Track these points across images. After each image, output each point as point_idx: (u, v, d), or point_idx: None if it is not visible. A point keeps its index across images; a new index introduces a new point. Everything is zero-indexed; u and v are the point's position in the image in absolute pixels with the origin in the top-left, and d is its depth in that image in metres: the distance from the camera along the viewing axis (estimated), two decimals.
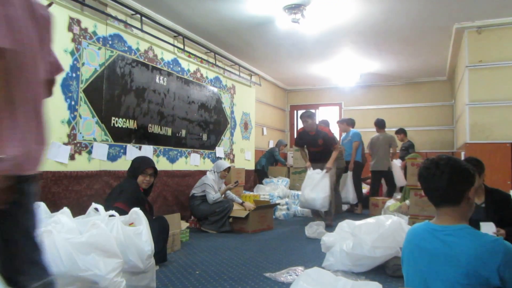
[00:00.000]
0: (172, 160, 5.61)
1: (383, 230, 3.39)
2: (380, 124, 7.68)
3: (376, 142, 7.53)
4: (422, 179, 1.70)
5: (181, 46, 5.73)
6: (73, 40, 4.05)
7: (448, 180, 1.60)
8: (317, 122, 6.08)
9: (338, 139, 5.73)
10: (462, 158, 5.86)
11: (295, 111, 10.66)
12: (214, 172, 5.61)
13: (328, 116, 10.32)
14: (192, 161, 5.98)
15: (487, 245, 1.51)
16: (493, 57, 5.54)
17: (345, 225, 3.76)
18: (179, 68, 5.80)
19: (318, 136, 5.81)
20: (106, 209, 2.96)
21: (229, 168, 5.72)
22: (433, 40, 6.39)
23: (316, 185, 5.62)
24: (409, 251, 1.73)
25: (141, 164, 3.82)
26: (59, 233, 2.27)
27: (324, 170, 5.65)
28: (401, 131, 8.15)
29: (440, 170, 1.62)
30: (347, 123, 7.86)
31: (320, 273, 2.35)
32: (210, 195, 5.34)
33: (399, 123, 8.99)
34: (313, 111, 6.06)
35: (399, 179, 7.34)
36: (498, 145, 5.39)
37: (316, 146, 5.91)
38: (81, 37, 4.14)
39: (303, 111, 6.06)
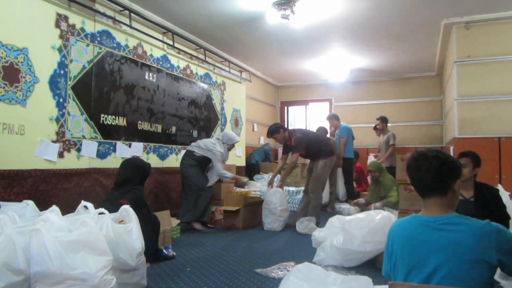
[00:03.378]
0: (163, 157, 5.59)
1: (373, 225, 3.42)
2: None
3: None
4: (410, 170, 1.74)
5: (171, 42, 5.70)
6: (61, 36, 4.01)
7: (435, 172, 1.65)
8: (290, 130, 5.71)
9: (303, 147, 5.38)
10: (451, 153, 5.92)
11: (286, 107, 10.67)
12: (223, 143, 5.44)
13: (319, 112, 10.39)
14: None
15: (481, 228, 1.57)
16: (481, 53, 5.59)
17: (336, 221, 3.79)
18: (169, 65, 5.77)
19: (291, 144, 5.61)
20: (108, 205, 2.97)
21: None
22: (422, 36, 6.42)
23: (268, 205, 5.34)
24: (401, 246, 1.73)
25: (147, 170, 3.83)
26: (48, 231, 2.24)
27: (273, 190, 5.39)
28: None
29: (428, 161, 1.67)
30: (336, 118, 7.87)
31: (311, 268, 2.36)
32: (219, 167, 5.22)
33: (389, 118, 9.00)
34: (278, 124, 5.69)
35: None
36: (486, 139, 5.44)
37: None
38: (69, 33, 4.10)
39: (273, 125, 5.64)
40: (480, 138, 5.46)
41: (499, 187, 4.16)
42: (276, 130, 5.48)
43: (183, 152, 5.90)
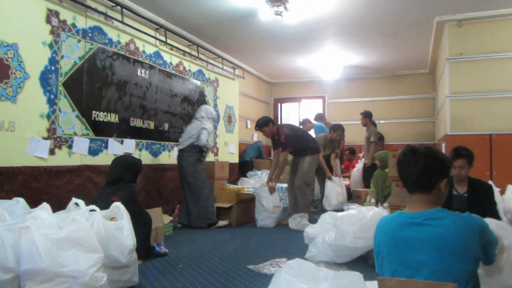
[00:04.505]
0: (155, 154, 5.57)
1: (365, 221, 3.43)
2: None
3: None
4: (399, 164, 1.76)
5: (163, 38, 5.68)
6: (52, 32, 3.98)
7: (422, 168, 1.67)
8: (281, 124, 5.82)
9: (292, 144, 5.33)
10: (443, 149, 5.96)
11: (279, 104, 10.67)
12: (208, 118, 5.39)
13: (312, 109, 10.39)
14: (175, 154, 5.92)
15: (464, 221, 1.59)
16: (473, 50, 5.61)
17: (328, 217, 3.79)
18: (161, 61, 5.75)
19: (280, 140, 5.48)
20: (99, 203, 2.96)
21: None
22: (415, 33, 6.44)
23: (260, 203, 5.36)
24: (387, 243, 1.74)
25: (139, 167, 3.80)
26: (38, 229, 2.23)
27: (265, 188, 5.39)
28: (372, 124, 8.15)
29: (417, 157, 1.68)
30: (308, 121, 7.95)
31: (302, 264, 2.36)
32: (205, 137, 5.14)
33: (382, 115, 9.08)
34: (267, 117, 5.54)
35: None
36: (478, 136, 5.48)
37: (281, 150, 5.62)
38: (60, 29, 4.07)
39: (261, 119, 5.52)
40: (471, 135, 5.49)
41: (490, 183, 4.20)
42: (265, 123, 5.42)
43: (175, 149, 5.89)
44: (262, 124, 5.44)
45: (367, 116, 7.38)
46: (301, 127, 7.81)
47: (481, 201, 3.17)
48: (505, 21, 5.48)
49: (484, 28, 5.58)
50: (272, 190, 5.35)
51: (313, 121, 8.15)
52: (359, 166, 7.75)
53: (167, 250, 3.82)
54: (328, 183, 6.61)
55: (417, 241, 1.63)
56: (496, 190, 4.50)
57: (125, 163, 3.70)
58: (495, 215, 3.22)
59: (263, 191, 5.38)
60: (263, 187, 5.43)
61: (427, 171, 1.66)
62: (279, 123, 10.67)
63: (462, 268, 1.56)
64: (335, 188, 6.49)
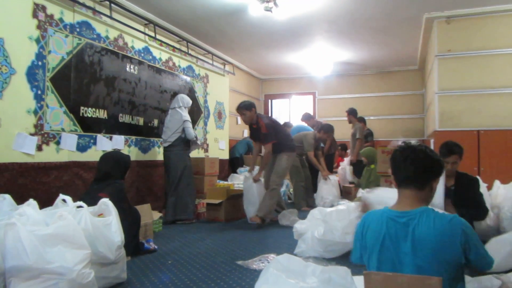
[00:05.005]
0: (145, 150, 5.54)
1: (354, 217, 3.45)
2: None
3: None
4: (395, 160, 1.78)
5: (152, 34, 5.64)
6: (38, 27, 3.93)
7: (419, 164, 1.70)
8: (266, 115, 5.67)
9: (274, 136, 5.11)
10: (432, 146, 6.01)
11: (270, 101, 10.67)
12: (185, 108, 5.35)
13: (302, 106, 10.41)
14: None
15: (447, 224, 1.59)
16: (461, 47, 5.65)
17: (317, 212, 3.81)
18: (151, 57, 5.71)
19: (258, 130, 5.20)
20: (87, 199, 2.94)
21: None
22: (404, 30, 6.47)
23: (246, 196, 5.24)
24: (373, 239, 1.75)
25: (128, 163, 3.77)
26: (23, 225, 2.21)
27: (250, 180, 5.21)
28: (361, 119, 8.18)
29: (415, 154, 1.72)
30: (288, 125, 8.00)
31: (290, 260, 2.37)
32: (191, 130, 5.18)
33: (372, 111, 9.14)
34: (251, 101, 5.28)
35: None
36: (466, 132, 5.52)
37: (261, 141, 5.34)
38: (47, 24, 4.02)
39: (245, 102, 5.24)
40: (459, 131, 5.54)
41: (477, 177, 4.25)
42: (249, 106, 5.13)
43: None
44: (246, 107, 5.12)
45: (351, 114, 7.54)
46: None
47: (467, 194, 3.22)
48: (492, 18, 5.52)
49: (472, 25, 5.62)
50: (256, 180, 5.19)
51: (301, 122, 8.17)
52: (343, 164, 7.83)
53: (156, 247, 3.81)
54: (321, 180, 6.60)
55: (400, 239, 1.65)
56: (483, 186, 4.55)
57: (113, 159, 3.67)
58: (481, 206, 3.28)
59: (248, 184, 5.25)
60: (248, 180, 5.27)
61: (424, 168, 1.69)
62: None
63: (441, 269, 1.56)
64: (327, 185, 6.49)
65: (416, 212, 1.65)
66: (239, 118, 8.83)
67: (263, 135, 5.12)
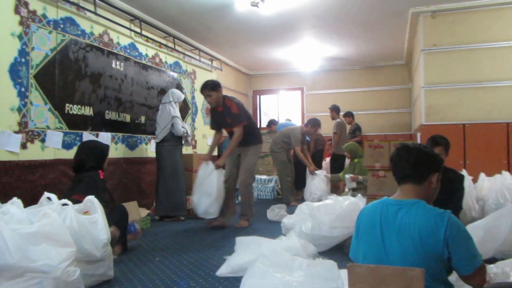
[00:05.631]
0: (132, 147, 5.51)
1: (341, 211, 3.48)
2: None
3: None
4: (393, 161, 1.83)
5: (138, 30, 5.59)
6: (21, 23, 3.86)
7: (413, 160, 1.74)
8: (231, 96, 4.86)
9: (245, 117, 4.60)
10: (418, 140, 6.06)
11: (258, 96, 10.66)
12: (175, 103, 5.20)
13: (292, 101, 10.43)
14: (152, 147, 5.87)
15: (434, 218, 1.61)
16: (446, 41, 5.70)
17: (305, 207, 3.83)
18: (137, 53, 5.67)
19: (225, 113, 4.58)
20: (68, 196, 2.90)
21: None
22: (391, 25, 6.50)
23: (201, 185, 4.48)
24: (364, 226, 1.79)
25: (105, 151, 3.68)
26: (7, 224, 2.18)
27: (212, 167, 4.49)
28: (349, 114, 8.25)
29: (408, 151, 1.77)
30: (273, 123, 8.19)
31: (277, 254, 2.38)
32: (180, 126, 5.05)
33: (359, 106, 9.18)
34: (217, 80, 4.74)
35: None
36: (452, 126, 5.58)
37: (226, 126, 4.73)
38: (30, 20, 3.96)
39: (208, 82, 4.64)
40: (446, 125, 5.59)
41: (464, 172, 4.31)
42: (215, 86, 4.53)
43: (153, 141, 5.84)
44: (212, 87, 4.51)
45: (334, 110, 7.68)
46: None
47: (449, 191, 3.25)
48: (477, 12, 5.57)
49: (457, 19, 5.66)
50: (217, 166, 4.50)
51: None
52: (328, 159, 7.90)
53: (138, 228, 3.81)
54: (310, 176, 6.62)
55: (389, 226, 1.68)
56: (469, 179, 4.61)
57: (89, 146, 3.60)
58: (457, 204, 3.32)
59: (205, 173, 4.50)
60: (205, 167, 4.53)
61: (418, 162, 1.74)
62: (259, 115, 10.69)
63: (423, 261, 1.57)
64: (316, 181, 6.50)
65: (408, 202, 1.69)
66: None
67: (234, 116, 4.50)
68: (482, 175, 4.73)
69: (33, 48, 3.99)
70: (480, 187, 4.61)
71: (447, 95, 5.68)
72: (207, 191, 4.39)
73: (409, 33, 6.70)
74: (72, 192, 3.25)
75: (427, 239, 1.58)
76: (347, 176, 5.68)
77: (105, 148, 3.71)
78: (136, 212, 4.15)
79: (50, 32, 4.21)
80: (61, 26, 4.35)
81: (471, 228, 3.02)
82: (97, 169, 3.51)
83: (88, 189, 3.22)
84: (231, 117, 4.52)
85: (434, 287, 1.59)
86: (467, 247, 1.60)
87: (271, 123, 8.23)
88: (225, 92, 8.57)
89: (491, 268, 2.27)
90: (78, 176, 3.41)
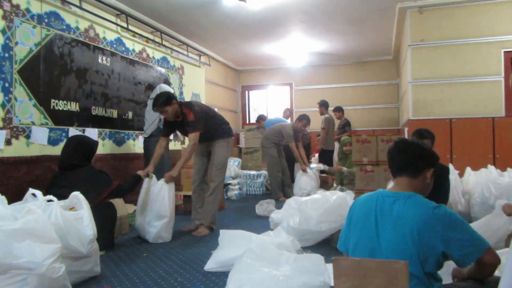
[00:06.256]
0: (119, 143, 5.46)
1: (328, 205, 3.49)
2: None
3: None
4: (390, 153, 1.86)
5: (125, 25, 5.52)
6: (4, 17, 3.79)
7: (410, 154, 1.79)
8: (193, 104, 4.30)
9: (200, 124, 4.11)
10: (406, 135, 6.10)
11: (247, 92, 10.64)
12: None
13: (280, 96, 10.42)
14: (140, 143, 5.83)
15: (429, 212, 1.63)
16: (433, 36, 5.74)
17: (292, 202, 3.84)
18: (123, 48, 5.61)
19: (185, 122, 4.16)
20: (90, 198, 2.97)
21: None
22: (378, 20, 6.52)
23: (150, 205, 3.95)
24: (358, 216, 1.81)
25: (93, 147, 3.70)
26: None
27: (161, 182, 3.99)
28: (339, 109, 8.28)
29: (407, 145, 1.83)
30: (263, 118, 8.20)
31: (264, 249, 2.38)
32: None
33: (348, 101, 9.21)
34: (167, 92, 4.22)
35: None
36: (439, 121, 5.63)
37: (187, 134, 4.27)
38: (13, 14, 3.89)
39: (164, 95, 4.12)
40: (432, 120, 5.64)
41: (450, 166, 4.35)
42: (168, 101, 4.03)
43: (140, 137, 5.79)
44: (165, 103, 4.02)
45: (322, 105, 7.76)
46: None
47: (436, 183, 3.26)
48: (464, 7, 5.61)
49: (444, 14, 5.70)
50: (171, 179, 3.99)
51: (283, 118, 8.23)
52: (317, 154, 7.94)
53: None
54: (299, 171, 6.63)
55: (383, 217, 1.71)
56: (455, 173, 4.66)
57: (76, 141, 3.59)
58: (444, 196, 3.35)
59: (155, 187, 3.98)
60: (153, 184, 4.02)
61: (416, 156, 1.77)
62: (248, 111, 10.68)
63: (417, 253, 1.59)
64: (306, 176, 6.52)
65: (405, 194, 1.72)
66: (216, 110, 8.79)
67: (189, 123, 4.09)
68: (468, 169, 4.79)
69: (16, 43, 3.92)
70: (466, 181, 4.66)
71: (434, 90, 5.73)
72: (158, 212, 3.86)
73: (397, 28, 6.74)
74: (73, 188, 3.06)
75: (424, 231, 1.60)
76: (344, 168, 5.84)
77: (92, 143, 3.71)
78: (123, 209, 4.12)
79: (34, 27, 4.14)
80: (46, 20, 4.28)
81: None
82: (86, 164, 3.53)
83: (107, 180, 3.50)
84: (189, 124, 4.10)
85: (425, 279, 1.61)
86: (469, 234, 1.62)
87: (260, 118, 8.24)
88: (212, 87, 8.65)
89: None
90: (79, 173, 3.41)
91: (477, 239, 1.62)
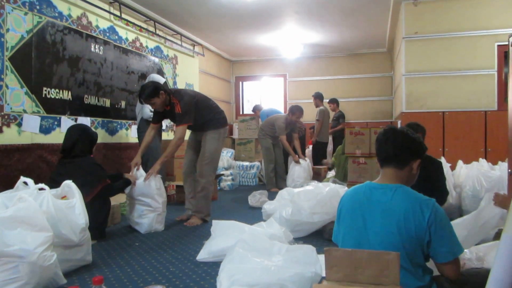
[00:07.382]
0: (112, 133, 5.43)
1: (321, 197, 3.51)
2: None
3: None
4: (378, 142, 1.85)
5: (118, 13, 5.47)
6: None
7: (398, 144, 1.77)
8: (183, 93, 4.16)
9: (188, 116, 3.98)
10: (399, 127, 6.12)
11: (241, 82, 10.60)
12: None
13: (274, 88, 10.39)
14: (133, 133, 5.81)
15: (418, 203, 1.64)
16: (428, 29, 5.74)
17: (285, 193, 3.85)
18: (117, 37, 5.55)
19: (173, 111, 4.03)
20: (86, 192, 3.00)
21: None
22: (373, 12, 6.50)
23: (141, 197, 3.87)
24: (347, 209, 1.82)
25: (93, 137, 3.66)
26: None
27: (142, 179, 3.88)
28: (334, 101, 8.29)
29: (395, 135, 1.79)
30: (258, 108, 8.22)
31: (256, 239, 2.39)
32: (148, 109, 4.87)
33: (342, 94, 9.20)
34: (154, 83, 3.98)
35: None
36: (431, 113, 5.65)
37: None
38: (4, 0, 3.83)
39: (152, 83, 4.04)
40: (425, 113, 5.66)
41: (442, 159, 4.38)
42: (155, 92, 3.89)
43: (134, 127, 5.76)
44: (152, 94, 3.88)
45: (317, 98, 7.83)
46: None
47: (430, 178, 3.29)
48: (458, 1, 5.61)
49: (439, 7, 5.70)
50: (154, 174, 3.90)
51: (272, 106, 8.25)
52: (311, 146, 7.99)
53: None
54: (292, 162, 6.64)
55: (373, 208, 1.71)
56: (447, 166, 4.69)
57: (80, 129, 3.56)
58: (442, 191, 3.37)
59: (146, 184, 3.86)
60: (138, 173, 3.95)
61: (403, 146, 1.76)
62: (242, 102, 10.64)
63: (405, 245, 1.61)
64: (299, 168, 6.52)
65: (392, 186, 1.72)
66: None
67: (176, 115, 3.99)
68: (460, 163, 4.82)
69: (8, 30, 3.87)
70: (458, 174, 4.69)
71: (427, 83, 5.75)
72: (150, 204, 3.84)
73: (391, 20, 6.73)
74: (70, 178, 2.98)
75: (411, 222, 1.61)
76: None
77: (94, 134, 3.69)
78: (116, 198, 4.11)
79: (25, 14, 4.08)
80: (37, 7, 4.23)
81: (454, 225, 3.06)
82: (88, 153, 3.51)
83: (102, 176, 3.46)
84: (176, 116, 4.01)
85: (413, 270, 1.62)
86: (450, 235, 1.64)
87: (256, 108, 8.22)
88: (206, 77, 8.60)
89: (465, 253, 2.27)
90: (77, 163, 3.39)
91: (455, 243, 1.64)
